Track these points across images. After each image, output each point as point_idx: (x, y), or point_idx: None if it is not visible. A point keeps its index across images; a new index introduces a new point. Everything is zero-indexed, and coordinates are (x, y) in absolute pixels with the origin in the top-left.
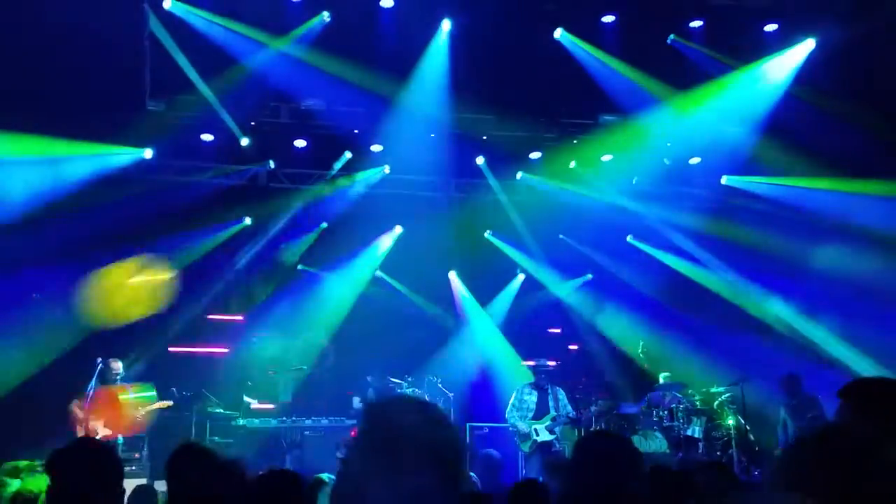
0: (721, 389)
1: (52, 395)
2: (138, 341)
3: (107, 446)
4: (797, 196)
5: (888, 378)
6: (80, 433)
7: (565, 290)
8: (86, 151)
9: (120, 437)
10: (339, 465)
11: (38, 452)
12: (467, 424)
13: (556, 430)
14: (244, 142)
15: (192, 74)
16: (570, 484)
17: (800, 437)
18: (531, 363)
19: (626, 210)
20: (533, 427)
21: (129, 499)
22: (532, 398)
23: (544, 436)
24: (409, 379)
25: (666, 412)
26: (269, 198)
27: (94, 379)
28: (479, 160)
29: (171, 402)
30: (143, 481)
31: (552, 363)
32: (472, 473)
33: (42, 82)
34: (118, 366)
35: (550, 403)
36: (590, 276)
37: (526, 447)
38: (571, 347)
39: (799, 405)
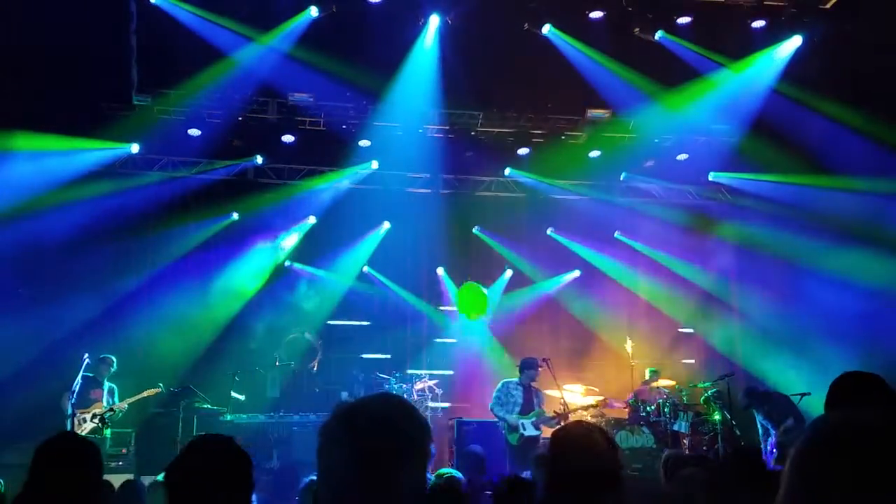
0: (707, 384)
1: (40, 389)
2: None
3: (89, 441)
4: (783, 192)
5: (864, 372)
6: (67, 428)
7: (553, 285)
8: (72, 146)
9: (108, 431)
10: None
11: (26, 447)
12: (455, 420)
13: (541, 426)
14: (236, 143)
15: (180, 69)
16: (549, 474)
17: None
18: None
19: (613, 206)
20: (520, 421)
21: (116, 494)
22: (518, 393)
23: (531, 430)
24: (397, 374)
25: (653, 407)
26: (256, 193)
27: (80, 374)
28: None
29: (158, 389)
30: (130, 476)
31: (538, 360)
32: (453, 470)
33: (27, 76)
34: (111, 361)
35: (535, 400)
36: (577, 272)
37: (514, 439)
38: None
39: (771, 409)
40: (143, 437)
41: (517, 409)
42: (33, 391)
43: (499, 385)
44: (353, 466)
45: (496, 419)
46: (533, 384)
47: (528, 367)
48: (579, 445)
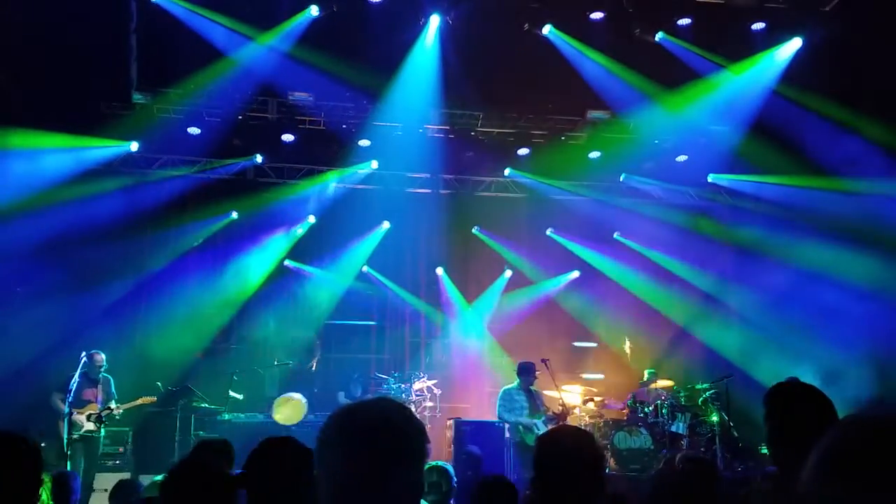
0: (705, 386)
1: (34, 388)
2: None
3: (23, 436)
4: (782, 194)
5: (803, 382)
6: (63, 428)
7: (552, 286)
8: (71, 144)
9: (102, 430)
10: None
11: None
12: (453, 420)
13: (549, 425)
14: (235, 142)
15: (179, 68)
16: (535, 475)
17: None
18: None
19: (613, 207)
20: (534, 421)
21: (110, 494)
22: (522, 398)
23: (544, 430)
24: (396, 374)
25: (651, 409)
26: (256, 192)
27: (77, 372)
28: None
29: (154, 398)
30: (127, 475)
31: (534, 364)
32: (447, 466)
33: (27, 74)
34: (101, 358)
35: (537, 402)
36: (577, 272)
37: (531, 440)
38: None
39: None
40: (141, 436)
41: (525, 412)
42: (32, 391)
43: (500, 394)
44: (351, 467)
45: (504, 423)
46: (531, 387)
47: (525, 371)
48: (565, 448)
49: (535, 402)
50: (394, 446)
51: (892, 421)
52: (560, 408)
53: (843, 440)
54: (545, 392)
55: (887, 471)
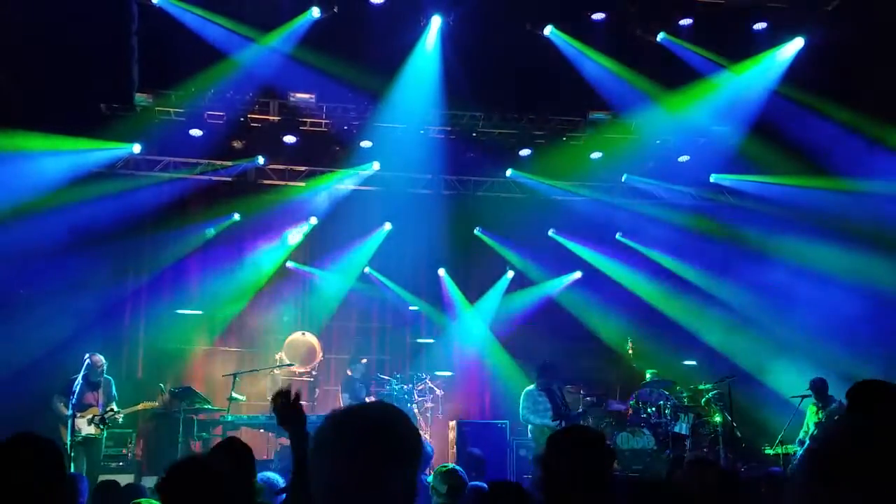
0: (708, 387)
1: (35, 390)
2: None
3: (48, 439)
4: (785, 194)
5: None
6: (64, 431)
7: (554, 287)
8: (73, 146)
9: (104, 432)
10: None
11: None
12: (455, 421)
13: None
14: (237, 144)
15: (181, 69)
16: (542, 475)
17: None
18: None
19: (615, 207)
20: (558, 424)
21: (90, 495)
22: (544, 398)
23: None
24: (398, 375)
25: (654, 409)
26: (257, 194)
27: (80, 375)
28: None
29: (156, 403)
30: (131, 478)
31: (549, 364)
32: (460, 469)
33: (27, 75)
34: (100, 360)
35: (558, 401)
36: (579, 273)
37: None
38: None
39: (825, 407)
40: (144, 437)
41: (549, 413)
42: (33, 393)
43: (523, 395)
44: (348, 468)
45: (530, 427)
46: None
47: (543, 372)
48: (572, 448)
49: (556, 402)
50: (391, 447)
51: (873, 426)
52: (562, 408)
53: (828, 443)
54: None
55: (869, 473)
